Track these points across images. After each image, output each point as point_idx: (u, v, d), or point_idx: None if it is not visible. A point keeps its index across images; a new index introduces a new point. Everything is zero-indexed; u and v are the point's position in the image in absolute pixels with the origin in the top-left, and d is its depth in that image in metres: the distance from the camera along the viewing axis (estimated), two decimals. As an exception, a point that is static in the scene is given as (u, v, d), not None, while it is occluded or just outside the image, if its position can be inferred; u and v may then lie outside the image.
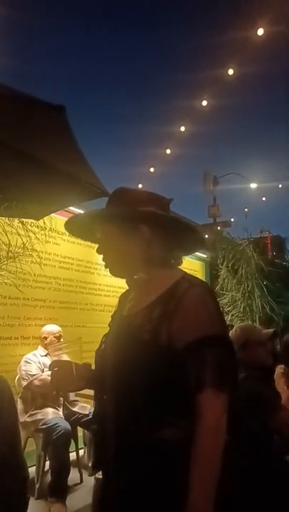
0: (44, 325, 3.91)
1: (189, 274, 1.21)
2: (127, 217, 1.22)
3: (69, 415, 3.58)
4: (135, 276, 1.24)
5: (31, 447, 3.45)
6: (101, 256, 1.29)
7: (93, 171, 2.46)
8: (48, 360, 3.64)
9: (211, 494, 0.98)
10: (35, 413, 3.41)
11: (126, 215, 1.22)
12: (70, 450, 3.36)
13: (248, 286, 6.45)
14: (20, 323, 4.00)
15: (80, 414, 3.64)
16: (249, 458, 1.89)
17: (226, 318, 6.27)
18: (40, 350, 3.74)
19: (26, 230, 3.26)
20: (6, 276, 3.15)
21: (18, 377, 3.56)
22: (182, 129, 8.30)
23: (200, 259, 7.29)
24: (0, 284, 3.20)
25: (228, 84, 7.38)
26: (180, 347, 1.05)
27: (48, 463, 3.31)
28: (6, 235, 3.07)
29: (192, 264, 6.93)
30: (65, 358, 3.50)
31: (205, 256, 7.38)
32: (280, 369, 2.95)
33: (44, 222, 3.45)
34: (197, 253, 6.41)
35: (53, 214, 3.45)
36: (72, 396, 3.69)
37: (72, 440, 3.42)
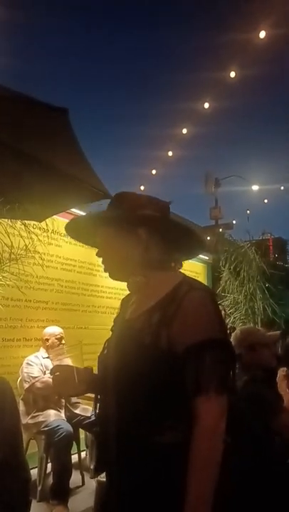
0: (46, 327, 3.91)
1: (190, 277, 1.21)
2: (124, 221, 1.23)
3: (71, 417, 3.57)
4: (134, 279, 1.24)
5: (33, 449, 3.45)
6: (101, 259, 1.30)
7: (95, 172, 2.47)
8: (49, 362, 3.64)
9: (208, 497, 0.98)
10: (37, 415, 3.40)
11: (123, 218, 1.23)
12: (72, 452, 3.36)
13: (249, 288, 6.45)
14: (23, 324, 4.01)
15: (82, 416, 3.64)
16: (250, 460, 1.88)
17: (228, 320, 6.27)
18: (42, 352, 3.74)
19: (29, 232, 3.27)
20: (8, 278, 3.16)
21: (20, 379, 3.56)
22: (184, 131, 8.30)
23: (202, 261, 7.29)
24: (2, 285, 3.21)
25: (230, 87, 7.39)
26: (180, 350, 1.05)
27: (49, 465, 3.31)
28: (9, 237, 3.07)
29: (194, 267, 6.93)
30: (67, 361, 3.51)
31: (207, 258, 7.38)
32: (282, 371, 2.94)
33: (46, 224, 3.46)
34: (199, 255, 6.41)
35: (55, 216, 3.46)
36: (74, 398, 3.69)
37: (74, 442, 3.42)
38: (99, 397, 1.26)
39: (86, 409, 3.71)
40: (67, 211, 3.91)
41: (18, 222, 3.20)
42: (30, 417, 3.40)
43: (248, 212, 13.03)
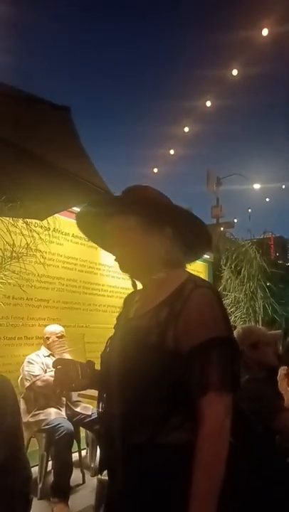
0: (47, 325, 3.92)
1: (195, 275, 1.20)
2: (153, 217, 1.21)
3: (72, 416, 3.58)
4: (155, 276, 1.22)
5: (34, 447, 3.46)
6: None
7: (97, 171, 2.46)
8: (50, 361, 3.64)
9: (215, 496, 0.97)
10: (38, 413, 3.41)
11: (153, 215, 1.21)
12: (73, 450, 3.36)
13: (250, 287, 6.44)
14: (24, 323, 4.01)
15: (83, 414, 3.64)
16: (251, 459, 1.89)
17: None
18: (43, 351, 3.74)
19: (30, 231, 3.27)
20: (9, 277, 3.16)
21: (21, 378, 3.56)
22: (186, 129, 8.30)
23: (203, 259, 7.29)
24: (4, 284, 3.21)
25: (232, 85, 7.38)
26: (185, 348, 1.05)
27: (50, 463, 3.32)
28: (10, 235, 3.07)
29: (195, 265, 6.91)
30: (67, 357, 3.51)
31: (208, 257, 7.37)
32: (283, 370, 2.95)
33: (48, 223, 3.46)
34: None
35: (56, 214, 3.45)
36: (74, 396, 3.69)
37: (74, 440, 3.42)
38: (102, 395, 1.24)
39: (87, 407, 3.71)
40: (69, 210, 3.91)
41: (20, 220, 3.20)
42: (31, 415, 3.41)
43: (250, 210, 13.04)
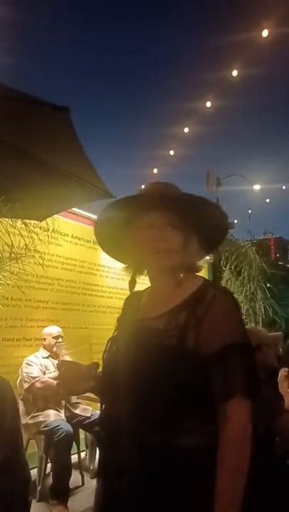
0: (46, 326, 3.91)
1: (208, 280, 1.22)
2: (187, 213, 1.19)
3: (71, 417, 3.56)
4: (176, 278, 1.20)
5: (33, 449, 3.45)
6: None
7: (96, 172, 2.46)
8: (49, 362, 3.64)
9: (239, 501, 0.99)
10: (37, 415, 3.40)
11: (187, 223, 1.20)
12: (72, 452, 3.35)
13: (250, 288, 6.44)
14: (23, 324, 4.00)
15: (82, 416, 3.63)
16: (251, 460, 1.88)
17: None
18: (42, 352, 3.73)
19: (29, 231, 3.26)
20: (8, 278, 3.15)
21: (20, 379, 3.55)
22: (186, 130, 8.30)
23: (203, 260, 7.26)
24: (2, 285, 3.20)
25: (232, 85, 7.38)
26: (208, 352, 1.05)
27: (49, 465, 3.30)
28: (9, 236, 3.06)
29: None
30: (68, 359, 3.51)
31: (208, 258, 7.37)
32: (283, 372, 2.95)
33: (47, 224, 3.45)
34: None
35: (55, 215, 3.45)
36: (74, 398, 3.68)
37: (73, 442, 3.41)
38: (106, 397, 1.22)
39: (86, 409, 3.70)
40: (68, 210, 3.91)
41: (19, 221, 3.19)
42: (29, 417, 3.40)
43: (250, 211, 13.01)
